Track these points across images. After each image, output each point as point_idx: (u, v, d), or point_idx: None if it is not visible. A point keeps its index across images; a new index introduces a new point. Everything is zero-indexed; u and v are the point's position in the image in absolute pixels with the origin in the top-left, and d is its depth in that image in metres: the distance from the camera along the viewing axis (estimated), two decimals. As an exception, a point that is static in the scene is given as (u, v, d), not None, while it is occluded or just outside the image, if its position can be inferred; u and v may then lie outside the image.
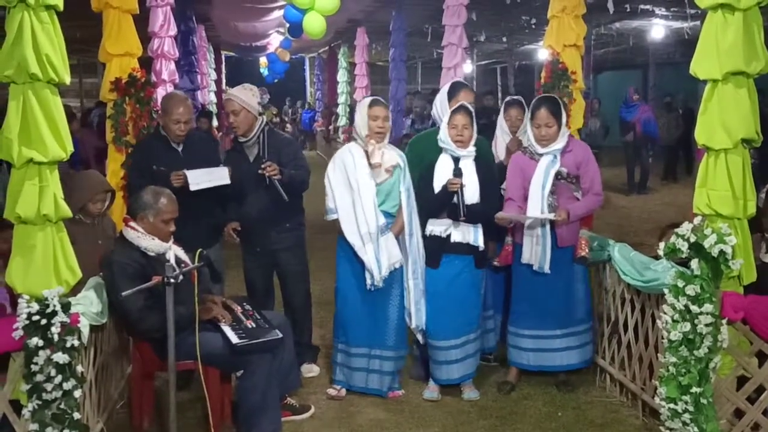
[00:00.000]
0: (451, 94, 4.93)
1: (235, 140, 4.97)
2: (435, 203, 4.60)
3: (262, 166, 4.70)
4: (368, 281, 4.58)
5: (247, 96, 4.81)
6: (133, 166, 5.14)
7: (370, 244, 4.53)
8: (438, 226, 4.63)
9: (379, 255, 4.53)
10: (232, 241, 5.04)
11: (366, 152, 4.61)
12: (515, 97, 5.37)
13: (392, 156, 4.66)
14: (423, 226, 4.71)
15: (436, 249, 4.65)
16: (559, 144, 4.60)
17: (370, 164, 4.60)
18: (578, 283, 4.76)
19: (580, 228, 4.73)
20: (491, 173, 4.75)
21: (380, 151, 4.60)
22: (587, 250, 4.70)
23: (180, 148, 4.88)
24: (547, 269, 4.60)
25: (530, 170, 4.62)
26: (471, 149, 4.61)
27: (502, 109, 5.25)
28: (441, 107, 4.91)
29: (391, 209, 4.67)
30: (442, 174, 4.58)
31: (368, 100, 4.74)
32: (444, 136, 4.61)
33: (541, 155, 4.61)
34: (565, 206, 4.56)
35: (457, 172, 4.51)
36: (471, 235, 4.59)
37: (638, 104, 13.80)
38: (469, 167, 4.59)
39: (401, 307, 4.70)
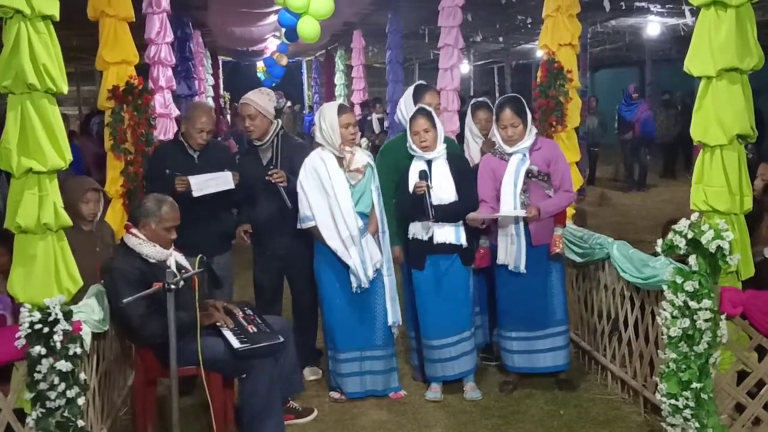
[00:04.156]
0: (416, 97, 4.94)
1: (250, 143, 5.00)
2: (408, 207, 4.64)
3: (269, 173, 4.72)
4: (354, 284, 4.59)
5: (263, 100, 4.84)
6: (147, 174, 5.18)
7: (354, 247, 4.55)
8: (420, 229, 4.65)
9: (363, 257, 4.56)
10: (244, 244, 5.06)
11: (338, 157, 4.59)
12: (480, 99, 5.37)
13: (362, 156, 4.66)
14: (405, 230, 4.72)
15: (421, 251, 4.67)
16: (527, 142, 4.61)
17: (343, 169, 4.58)
18: (556, 282, 4.76)
19: (555, 225, 4.73)
20: (465, 169, 4.76)
21: (353, 155, 4.60)
22: (561, 247, 4.72)
23: (196, 155, 4.91)
24: (522, 269, 4.60)
25: (501, 171, 4.64)
26: (440, 149, 4.63)
27: (469, 112, 5.18)
28: (407, 111, 4.88)
29: (365, 209, 4.66)
30: (413, 178, 4.60)
31: (334, 107, 4.67)
32: (410, 143, 4.63)
33: (510, 155, 4.62)
34: (536, 204, 4.57)
35: (422, 175, 4.54)
36: (452, 234, 4.61)
37: (638, 102, 13.83)
38: (441, 167, 4.61)
39: (385, 304, 4.72)
